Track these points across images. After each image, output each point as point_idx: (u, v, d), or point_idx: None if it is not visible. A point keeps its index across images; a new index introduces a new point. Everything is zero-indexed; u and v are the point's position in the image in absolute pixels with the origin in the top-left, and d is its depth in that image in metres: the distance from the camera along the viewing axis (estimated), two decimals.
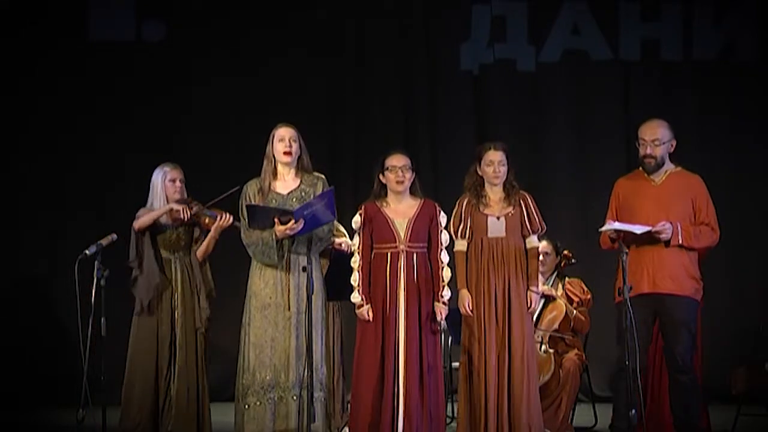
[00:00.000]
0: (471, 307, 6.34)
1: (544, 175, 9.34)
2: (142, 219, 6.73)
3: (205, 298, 6.81)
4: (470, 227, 6.42)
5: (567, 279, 7.48)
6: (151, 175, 6.83)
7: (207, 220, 6.77)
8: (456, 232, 6.44)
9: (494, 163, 6.42)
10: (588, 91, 9.48)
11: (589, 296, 7.49)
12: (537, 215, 6.46)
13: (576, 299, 7.41)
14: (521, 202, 6.44)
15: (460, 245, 6.45)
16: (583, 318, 7.38)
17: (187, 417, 6.72)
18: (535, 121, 9.40)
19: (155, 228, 6.77)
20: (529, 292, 6.37)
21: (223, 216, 6.73)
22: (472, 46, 9.48)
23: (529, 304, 6.36)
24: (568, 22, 9.42)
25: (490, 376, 6.26)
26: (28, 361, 9.01)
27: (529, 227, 6.43)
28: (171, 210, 6.72)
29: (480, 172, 6.46)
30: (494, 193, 6.46)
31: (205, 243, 6.82)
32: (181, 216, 6.71)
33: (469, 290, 6.36)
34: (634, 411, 6.27)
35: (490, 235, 6.39)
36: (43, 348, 9.03)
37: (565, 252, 7.45)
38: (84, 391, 6.36)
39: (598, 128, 9.46)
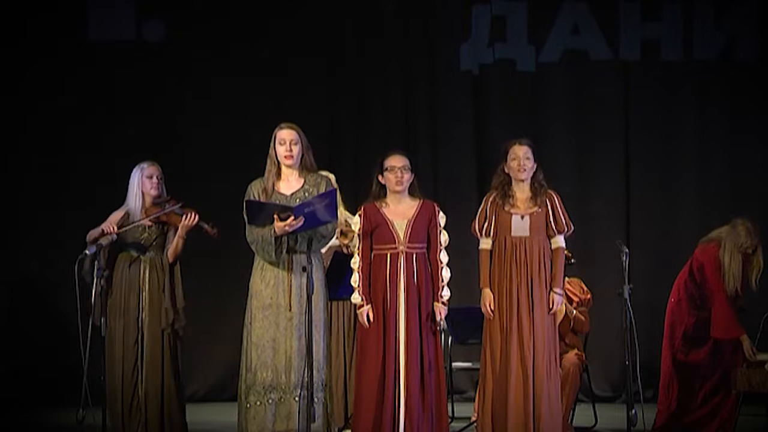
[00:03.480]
0: (492, 307, 6.33)
1: (543, 175, 9.33)
2: (91, 232, 6.71)
3: (172, 298, 6.79)
4: (495, 225, 6.40)
5: (567, 279, 7.47)
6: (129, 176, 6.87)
7: (175, 219, 6.77)
8: (480, 230, 6.43)
9: (519, 158, 6.40)
10: (588, 91, 9.47)
11: (588, 296, 7.50)
12: (563, 215, 6.43)
13: (576, 299, 7.41)
14: (548, 201, 6.42)
15: (485, 243, 6.43)
16: (583, 318, 7.38)
17: (154, 418, 6.72)
18: (535, 121, 9.38)
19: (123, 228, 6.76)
20: (551, 294, 6.36)
21: (189, 215, 6.73)
22: (472, 46, 9.46)
23: (551, 306, 6.35)
24: (568, 22, 9.41)
25: (511, 376, 6.25)
26: (27, 362, 9.01)
27: (554, 227, 6.41)
28: (93, 234, 6.70)
29: (507, 170, 6.45)
30: (521, 192, 6.44)
31: (173, 243, 6.82)
32: (106, 231, 6.67)
33: (491, 289, 6.36)
34: (634, 410, 6.28)
35: (513, 234, 6.37)
36: (43, 348, 9.02)
37: (565, 252, 7.45)
38: (84, 391, 6.36)
39: (598, 128, 9.45)
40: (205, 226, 6.75)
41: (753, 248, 7.12)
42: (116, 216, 6.80)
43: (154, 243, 6.82)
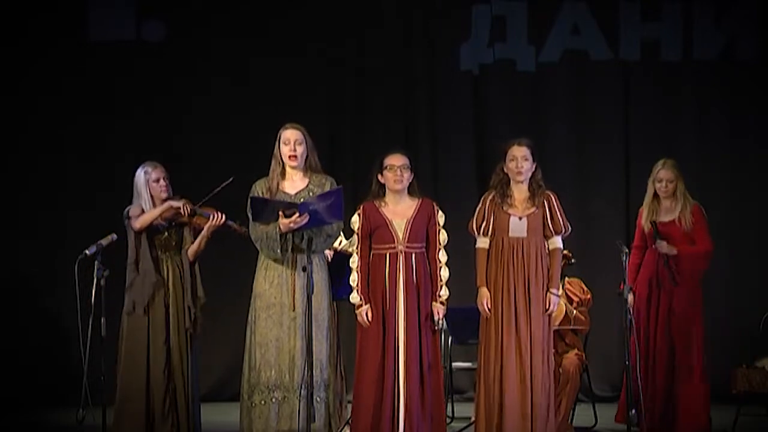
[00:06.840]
0: (489, 306, 6.34)
1: (543, 175, 9.32)
2: (144, 218, 6.71)
3: (192, 298, 6.80)
4: (492, 225, 6.40)
5: (567, 279, 7.47)
6: (134, 174, 6.85)
7: (199, 220, 6.76)
8: (478, 230, 6.43)
9: (517, 159, 6.41)
10: (588, 91, 9.46)
11: (589, 296, 7.49)
12: (561, 216, 6.43)
13: (576, 299, 7.41)
14: (545, 202, 6.41)
15: (482, 242, 6.44)
16: (583, 318, 7.38)
17: (184, 416, 6.73)
18: (535, 121, 9.38)
19: (150, 228, 6.76)
20: (548, 294, 6.36)
21: (216, 215, 6.72)
22: (472, 46, 9.46)
23: (547, 306, 6.35)
24: (568, 22, 9.40)
25: (508, 376, 6.25)
26: (27, 362, 9.01)
27: (551, 228, 6.41)
28: (171, 207, 6.72)
29: (505, 170, 6.45)
30: (519, 192, 6.44)
31: (197, 242, 6.81)
32: (182, 212, 6.70)
33: (488, 289, 6.36)
34: (634, 410, 6.28)
35: (511, 234, 6.37)
36: (43, 348, 9.03)
37: (565, 252, 7.45)
38: (84, 391, 6.36)
39: (598, 128, 9.45)
40: (233, 224, 6.74)
41: None
42: (136, 212, 6.79)
43: (174, 243, 6.82)
